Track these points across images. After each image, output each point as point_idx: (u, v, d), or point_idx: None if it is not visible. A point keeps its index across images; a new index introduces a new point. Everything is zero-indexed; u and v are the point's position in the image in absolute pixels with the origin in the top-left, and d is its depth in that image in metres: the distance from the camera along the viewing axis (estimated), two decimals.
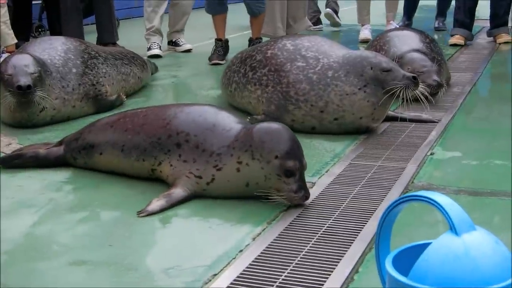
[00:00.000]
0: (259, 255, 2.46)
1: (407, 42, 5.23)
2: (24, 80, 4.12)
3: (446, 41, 7.81)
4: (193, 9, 7.88)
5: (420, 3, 9.21)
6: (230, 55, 6.40)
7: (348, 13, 9.96)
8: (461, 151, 3.75)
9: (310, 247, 2.51)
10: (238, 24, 9.09)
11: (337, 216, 2.82)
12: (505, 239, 1.78)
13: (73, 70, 4.58)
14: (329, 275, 2.29)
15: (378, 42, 5.43)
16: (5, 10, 6.46)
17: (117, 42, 7.34)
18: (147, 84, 5.75)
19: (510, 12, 8.01)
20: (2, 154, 3.71)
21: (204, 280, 2.29)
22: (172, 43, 7.72)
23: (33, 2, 7.91)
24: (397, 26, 8.09)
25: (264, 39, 6.56)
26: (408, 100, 3.90)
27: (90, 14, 8.15)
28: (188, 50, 7.63)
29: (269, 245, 2.54)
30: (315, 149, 3.79)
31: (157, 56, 7.12)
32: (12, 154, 3.63)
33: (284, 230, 2.68)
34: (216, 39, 6.88)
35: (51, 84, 4.38)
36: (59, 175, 3.44)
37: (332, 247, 2.51)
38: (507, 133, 4.02)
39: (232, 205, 2.96)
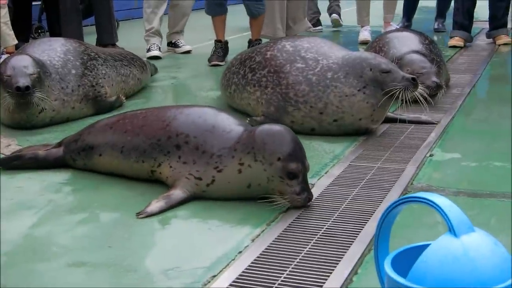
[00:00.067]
0: (258, 257, 2.46)
1: (406, 43, 5.23)
2: (23, 81, 4.12)
3: (445, 43, 7.82)
4: (192, 10, 7.88)
5: (420, 4, 9.22)
6: (230, 56, 6.40)
7: (348, 15, 9.97)
8: (460, 153, 3.75)
9: (309, 248, 2.52)
10: (237, 26, 9.10)
11: (336, 217, 2.82)
12: (504, 241, 1.79)
13: (72, 72, 4.58)
14: (328, 276, 2.29)
15: (377, 44, 5.44)
16: (5, 11, 6.48)
17: (117, 43, 7.35)
18: (147, 86, 5.75)
19: (510, 14, 8.01)
20: (2, 155, 3.71)
21: (203, 282, 2.29)
22: (172, 44, 7.73)
23: (33, 3, 7.92)
24: (397, 27, 8.10)
25: (264, 40, 6.56)
26: (408, 101, 3.90)
27: (89, 15, 8.16)
28: (188, 52, 7.63)
29: (268, 246, 2.55)
30: (314, 151, 3.79)
31: (156, 58, 7.12)
32: (12, 155, 3.63)
33: (283, 231, 2.68)
34: (215, 41, 6.88)
35: (50, 85, 4.38)
36: (59, 177, 3.44)
37: (331, 249, 2.51)
38: (507, 135, 4.02)
39: (231, 207, 2.96)
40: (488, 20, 7.98)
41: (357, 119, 4.01)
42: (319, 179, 3.33)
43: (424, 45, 5.25)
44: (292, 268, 2.36)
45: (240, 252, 2.52)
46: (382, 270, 1.79)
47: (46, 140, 4.02)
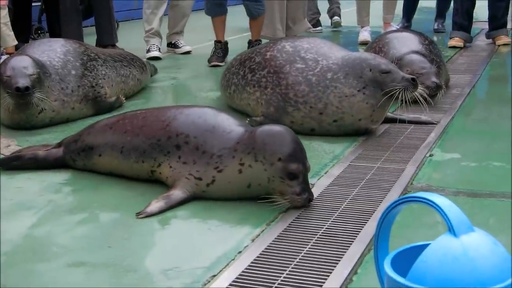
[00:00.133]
0: (258, 257, 2.46)
1: (406, 44, 5.23)
2: (22, 82, 4.13)
3: (445, 43, 7.82)
4: (192, 11, 7.89)
5: (420, 4, 9.22)
6: (230, 57, 6.40)
7: (347, 15, 9.98)
8: (460, 153, 3.75)
9: (309, 248, 2.52)
10: (237, 26, 9.10)
11: (336, 217, 2.82)
12: (503, 241, 1.79)
13: (72, 72, 4.58)
14: (328, 276, 2.29)
15: (377, 44, 5.44)
16: (5, 12, 6.49)
17: (117, 44, 7.35)
18: (147, 86, 5.75)
19: (510, 14, 8.01)
20: (1, 156, 3.71)
21: (203, 282, 2.29)
22: (172, 45, 7.73)
23: (33, 4, 7.93)
24: (397, 28, 8.10)
25: (264, 41, 6.57)
26: (407, 101, 3.91)
27: (89, 16, 8.17)
28: (188, 52, 7.63)
29: (268, 246, 2.55)
30: (314, 151, 3.80)
31: (156, 58, 7.13)
32: (11, 156, 3.63)
33: (283, 231, 2.68)
34: (215, 41, 6.89)
35: (50, 86, 4.38)
36: (58, 177, 3.44)
37: (331, 248, 2.51)
38: (506, 135, 4.03)
39: (231, 207, 2.96)
40: (487, 20, 7.98)
41: (356, 119, 4.01)
42: (319, 179, 3.34)
43: (424, 46, 5.25)
44: (292, 268, 2.36)
45: (240, 252, 2.52)
46: (382, 270, 1.79)
47: (46, 141, 4.02)
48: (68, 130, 4.26)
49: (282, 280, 2.27)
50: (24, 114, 4.29)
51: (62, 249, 2.58)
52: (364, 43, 7.85)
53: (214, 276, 2.33)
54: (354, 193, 3.12)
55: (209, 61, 6.83)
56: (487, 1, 7.82)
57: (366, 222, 2.76)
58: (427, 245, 1.69)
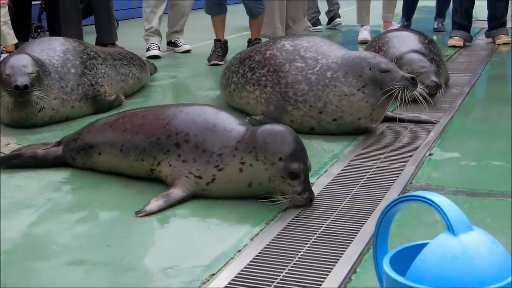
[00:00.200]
0: (257, 255, 2.46)
1: (406, 43, 5.23)
2: (21, 80, 4.13)
3: (445, 42, 7.82)
4: (192, 9, 7.89)
5: (419, 4, 9.22)
6: (229, 56, 6.40)
7: (347, 14, 9.98)
8: (459, 152, 3.75)
9: (308, 247, 2.52)
10: (237, 25, 9.10)
11: (335, 216, 2.82)
12: (503, 240, 1.79)
13: (72, 71, 4.59)
14: (327, 275, 2.29)
15: (377, 43, 5.44)
16: (5, 10, 6.49)
17: (116, 42, 7.35)
18: (146, 85, 5.75)
19: (510, 13, 8.01)
20: (1, 154, 3.71)
21: (202, 280, 2.29)
22: (171, 44, 7.73)
23: (33, 2, 7.92)
24: (398, 26, 8.10)
25: (263, 40, 6.56)
26: (407, 101, 3.91)
27: (89, 14, 8.17)
28: (187, 51, 7.63)
29: (267, 245, 2.55)
30: (313, 150, 3.79)
31: (156, 57, 7.12)
32: (11, 154, 3.63)
33: (282, 230, 2.68)
34: (215, 40, 6.89)
35: (49, 85, 4.38)
36: (58, 175, 3.44)
37: (330, 247, 2.51)
38: (506, 134, 4.03)
39: (230, 206, 2.96)
40: (487, 20, 7.97)
41: (356, 118, 4.01)
42: (318, 178, 3.34)
43: (424, 45, 5.25)
44: (291, 266, 2.36)
45: (239, 250, 2.52)
46: (381, 268, 1.79)
47: (46, 139, 4.02)
48: (67, 128, 4.26)
49: (281, 279, 2.27)
50: (24, 112, 4.29)
51: (62, 247, 2.59)
52: (363, 42, 7.85)
53: (213, 274, 2.33)
54: (354, 192, 3.12)
55: (209, 60, 6.83)
56: (486, 1, 7.82)
57: (365, 221, 2.76)
58: (426, 244, 1.69)
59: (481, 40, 8.17)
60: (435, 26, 9.08)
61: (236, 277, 2.30)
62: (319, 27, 9.45)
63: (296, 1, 7.67)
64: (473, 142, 3.98)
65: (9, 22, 6.55)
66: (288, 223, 2.75)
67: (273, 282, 2.25)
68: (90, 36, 7.25)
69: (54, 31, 7.44)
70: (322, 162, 3.59)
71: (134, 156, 3.24)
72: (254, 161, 2.91)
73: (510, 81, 6.13)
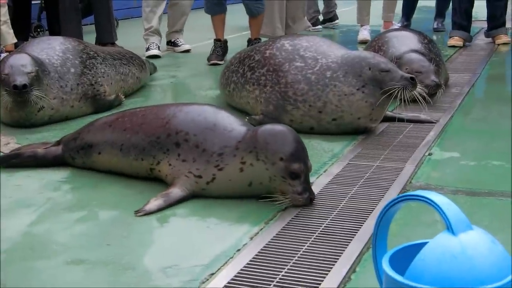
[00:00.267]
0: (256, 255, 2.46)
1: (405, 42, 5.23)
2: (20, 80, 4.13)
3: (445, 42, 7.82)
4: (192, 9, 7.89)
5: (419, 4, 9.22)
6: (229, 55, 6.40)
7: (347, 14, 9.98)
8: (459, 152, 3.75)
9: (308, 246, 2.52)
10: (237, 25, 9.10)
11: (334, 216, 2.82)
12: (502, 239, 1.79)
13: (71, 70, 4.58)
14: (326, 274, 2.29)
15: (376, 43, 5.44)
16: (5, 9, 6.49)
17: (116, 42, 7.35)
18: (146, 84, 5.76)
19: (509, 13, 8.01)
20: (1, 154, 3.71)
21: (201, 280, 2.29)
22: (171, 43, 7.73)
23: (32, 2, 7.92)
24: (399, 26, 8.10)
25: (263, 39, 6.56)
26: (406, 100, 3.90)
27: (89, 14, 8.17)
28: (187, 51, 7.63)
29: (267, 244, 2.55)
30: (313, 149, 3.79)
31: (155, 57, 7.13)
32: (11, 154, 3.63)
33: (281, 229, 2.68)
34: (215, 40, 6.89)
35: (49, 84, 4.38)
36: (58, 175, 3.44)
37: (329, 247, 2.51)
38: (505, 134, 4.03)
39: (230, 205, 2.96)
40: (486, 20, 7.97)
41: (356, 118, 4.01)
42: (318, 177, 3.34)
43: (423, 44, 5.25)
44: (290, 266, 2.36)
45: (239, 250, 2.52)
46: (380, 268, 1.79)
47: (45, 139, 4.02)
48: (67, 128, 4.26)
49: (280, 278, 2.27)
50: (23, 112, 4.29)
51: (61, 246, 2.59)
52: (363, 42, 7.85)
53: (213, 274, 2.33)
54: (353, 191, 3.12)
55: (209, 59, 6.83)
56: (485, 1, 7.82)
57: (364, 221, 2.76)
58: (425, 243, 1.69)
59: (481, 40, 8.17)
60: (435, 26, 9.08)
61: (235, 276, 2.30)
62: (319, 26, 9.45)
63: (296, 1, 7.67)
64: (473, 142, 3.98)
65: (9, 21, 6.55)
66: (288, 223, 2.75)
67: (272, 281, 2.25)
68: (89, 36, 7.25)
69: (54, 31, 7.44)
70: (322, 162, 3.59)
71: (133, 155, 3.24)
72: (255, 161, 2.91)
73: (509, 81, 6.13)
